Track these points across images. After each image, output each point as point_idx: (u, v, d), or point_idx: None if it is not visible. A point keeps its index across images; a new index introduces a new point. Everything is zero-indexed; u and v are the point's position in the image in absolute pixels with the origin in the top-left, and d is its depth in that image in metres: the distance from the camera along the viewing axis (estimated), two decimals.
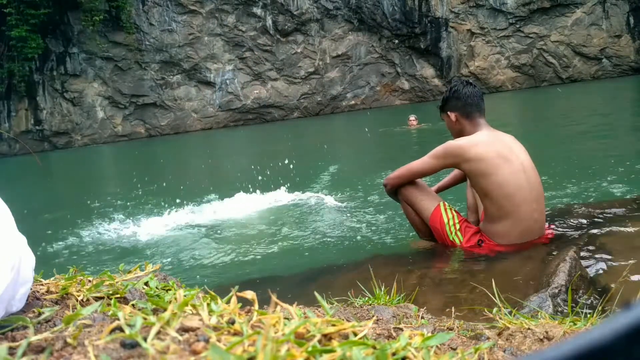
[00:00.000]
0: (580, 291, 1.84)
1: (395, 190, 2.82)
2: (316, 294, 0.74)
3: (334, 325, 0.60)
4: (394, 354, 0.58)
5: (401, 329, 0.85)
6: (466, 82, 2.77)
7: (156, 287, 0.89)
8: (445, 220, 2.68)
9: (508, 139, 2.64)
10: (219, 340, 0.55)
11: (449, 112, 2.70)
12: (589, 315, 1.35)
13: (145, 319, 0.58)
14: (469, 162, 2.49)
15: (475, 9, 27.37)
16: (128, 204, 5.98)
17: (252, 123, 27.67)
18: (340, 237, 3.63)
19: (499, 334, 1.04)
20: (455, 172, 3.06)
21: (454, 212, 2.71)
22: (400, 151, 8.69)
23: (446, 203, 2.75)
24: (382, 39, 28.00)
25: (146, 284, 0.90)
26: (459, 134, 2.66)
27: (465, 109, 2.66)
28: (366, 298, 1.53)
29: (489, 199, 2.52)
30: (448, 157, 2.54)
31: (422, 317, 1.14)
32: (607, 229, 2.65)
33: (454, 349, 0.83)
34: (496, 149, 2.50)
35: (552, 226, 2.75)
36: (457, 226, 2.66)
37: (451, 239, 2.66)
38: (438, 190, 3.13)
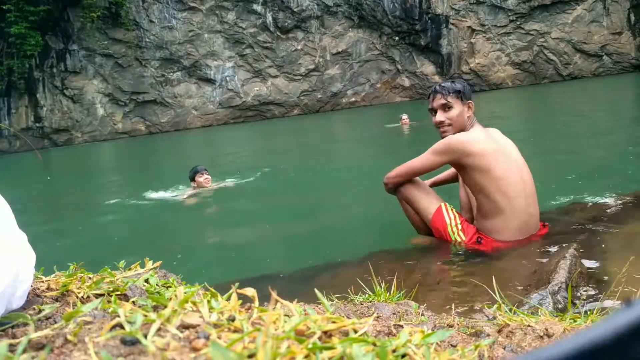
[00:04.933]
0: (580, 288, 1.84)
1: (395, 189, 2.82)
2: (316, 291, 0.74)
3: (334, 322, 0.60)
4: (394, 351, 0.58)
5: (401, 326, 0.85)
6: None
7: (156, 284, 0.89)
8: (447, 221, 2.68)
9: (498, 135, 2.67)
10: (219, 337, 0.55)
11: (469, 101, 2.68)
12: (589, 313, 1.35)
13: (145, 316, 0.58)
14: (470, 157, 2.48)
15: (476, 6, 27.31)
16: (128, 201, 5.98)
17: (252, 120, 27.65)
18: (340, 235, 3.63)
19: (499, 331, 1.04)
20: (451, 169, 3.05)
21: (455, 213, 2.71)
22: (399, 148, 8.69)
23: (447, 204, 2.74)
24: (382, 36, 27.96)
25: (146, 281, 0.90)
26: (461, 127, 2.64)
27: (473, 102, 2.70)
28: (366, 295, 1.54)
29: (485, 194, 2.52)
30: (450, 152, 2.52)
31: (422, 314, 1.14)
32: (607, 226, 2.65)
33: (454, 346, 0.83)
34: (493, 145, 2.53)
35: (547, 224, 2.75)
36: (459, 226, 2.66)
37: (453, 239, 2.66)
38: (432, 185, 3.12)
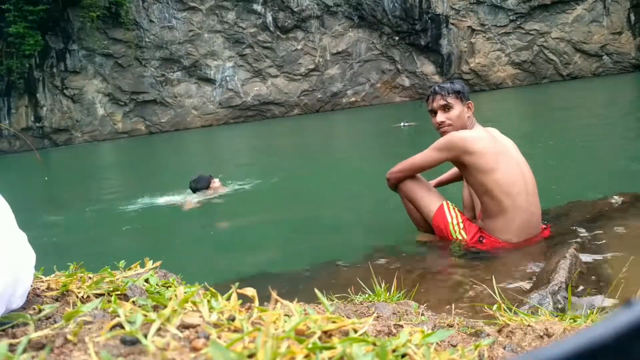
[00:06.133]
0: (580, 288, 1.84)
1: (397, 185, 2.82)
2: (316, 290, 0.74)
3: (334, 322, 0.60)
4: (394, 351, 0.58)
5: (401, 326, 0.85)
6: None
7: (156, 284, 0.89)
8: (449, 219, 2.67)
9: (497, 134, 2.68)
10: (219, 337, 0.55)
11: (469, 101, 2.68)
12: (589, 313, 1.35)
13: (145, 315, 0.58)
14: (471, 155, 2.48)
15: (476, 6, 27.33)
16: (128, 200, 5.98)
17: (252, 120, 27.66)
18: (340, 235, 3.63)
19: (499, 331, 1.04)
20: (455, 168, 3.05)
21: (457, 211, 2.71)
22: (399, 148, 8.68)
23: (449, 202, 2.74)
24: (382, 36, 27.96)
25: (146, 280, 0.90)
26: (462, 127, 2.65)
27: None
28: (366, 295, 1.54)
29: (488, 194, 2.52)
30: (452, 149, 2.52)
31: (422, 314, 1.14)
32: (607, 226, 2.65)
33: (454, 346, 0.83)
34: (494, 144, 2.53)
35: (549, 225, 2.75)
36: (461, 225, 2.66)
37: (455, 237, 2.65)
38: (438, 185, 3.12)
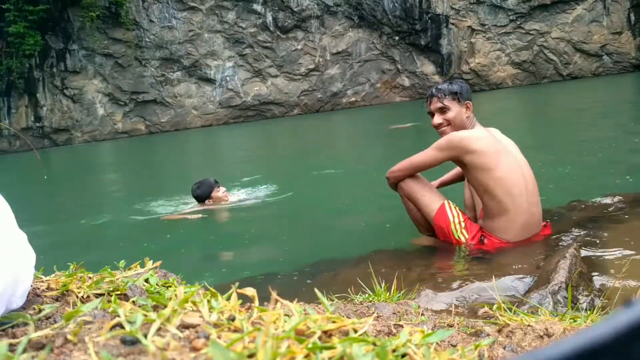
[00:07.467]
0: (580, 288, 1.84)
1: (397, 184, 2.83)
2: (316, 290, 0.74)
3: (334, 322, 0.60)
4: (394, 351, 0.58)
5: (401, 326, 0.85)
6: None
7: (156, 284, 0.89)
8: (451, 218, 2.67)
9: (498, 134, 2.69)
10: (219, 337, 0.55)
11: (467, 101, 2.69)
12: (589, 313, 1.35)
13: (145, 315, 0.58)
14: (471, 155, 2.49)
15: (476, 6, 27.32)
16: (128, 200, 5.98)
17: (252, 120, 27.66)
18: (340, 234, 3.63)
19: (499, 331, 1.04)
20: (458, 168, 3.05)
21: (458, 211, 2.71)
22: (400, 148, 8.69)
23: (450, 202, 2.74)
24: (382, 36, 27.96)
25: (146, 280, 0.90)
26: (460, 128, 2.66)
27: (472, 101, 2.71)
28: (366, 295, 1.54)
29: (489, 194, 2.52)
30: (452, 148, 2.53)
31: (422, 314, 1.15)
32: (607, 226, 2.65)
33: (454, 346, 0.83)
34: (495, 144, 2.54)
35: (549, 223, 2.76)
36: (463, 224, 2.66)
37: (456, 237, 2.65)
38: (440, 185, 3.12)
